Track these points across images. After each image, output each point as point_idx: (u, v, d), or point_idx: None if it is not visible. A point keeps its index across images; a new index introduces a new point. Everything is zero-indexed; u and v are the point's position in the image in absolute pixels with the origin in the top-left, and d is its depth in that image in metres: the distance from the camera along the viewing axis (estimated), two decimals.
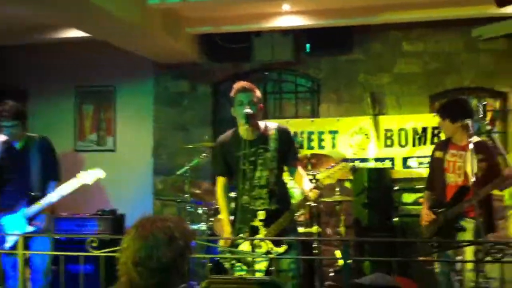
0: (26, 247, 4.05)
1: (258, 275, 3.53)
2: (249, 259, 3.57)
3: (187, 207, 5.52)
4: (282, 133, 3.81)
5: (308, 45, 6.47)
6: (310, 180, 4.21)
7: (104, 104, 7.16)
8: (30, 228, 4.35)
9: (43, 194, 4.41)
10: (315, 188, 3.62)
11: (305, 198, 3.70)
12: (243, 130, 3.69)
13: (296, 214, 4.22)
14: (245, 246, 3.67)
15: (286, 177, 3.96)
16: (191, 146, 5.95)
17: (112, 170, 6.64)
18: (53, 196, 4.37)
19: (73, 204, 5.20)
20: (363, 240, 5.82)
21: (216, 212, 5.32)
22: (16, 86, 7.21)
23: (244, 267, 3.64)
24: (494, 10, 5.32)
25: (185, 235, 2.21)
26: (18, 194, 4.44)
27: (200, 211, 5.47)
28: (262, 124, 3.81)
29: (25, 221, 4.36)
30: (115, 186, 6.62)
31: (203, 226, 5.33)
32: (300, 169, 3.88)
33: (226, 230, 3.80)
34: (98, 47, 6.46)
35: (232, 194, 4.04)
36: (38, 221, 4.41)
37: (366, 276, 2.17)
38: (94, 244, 3.41)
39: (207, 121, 6.92)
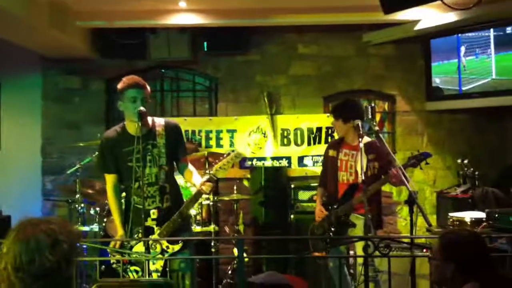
0: None
1: (154, 275, 3.45)
2: (143, 260, 3.47)
3: (79, 208, 5.28)
4: (171, 128, 3.73)
5: (205, 44, 6.43)
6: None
7: None
8: None
9: None
10: (208, 180, 3.56)
11: (199, 192, 3.61)
12: (131, 126, 3.58)
13: (190, 212, 4.17)
14: (139, 247, 3.56)
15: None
16: (82, 144, 5.69)
17: None
18: None
19: None
20: (257, 238, 5.89)
21: (109, 212, 5.15)
22: None
23: (138, 269, 3.54)
24: (382, 17, 5.59)
25: (70, 238, 2.11)
26: None
27: (92, 212, 5.27)
28: (149, 119, 3.71)
29: None
30: (1, 186, 6.21)
31: (95, 227, 5.14)
32: (189, 166, 3.81)
33: (118, 232, 3.66)
34: None
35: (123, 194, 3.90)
36: None
37: (259, 274, 2.17)
38: None
39: (99, 119, 6.65)
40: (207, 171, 3.65)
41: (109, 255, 3.65)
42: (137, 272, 3.61)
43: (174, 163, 3.77)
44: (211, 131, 6.53)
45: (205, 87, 6.94)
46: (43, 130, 6.63)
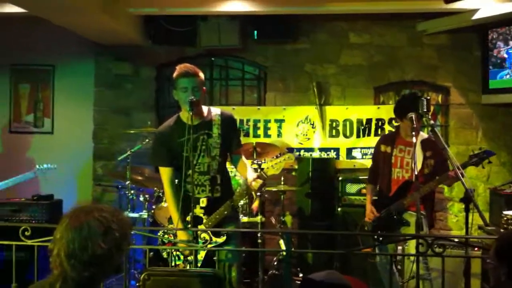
0: None
1: (182, 265, 3.45)
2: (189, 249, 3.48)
3: (128, 194, 5.35)
4: (226, 119, 3.72)
5: (255, 32, 6.38)
6: (255, 169, 4.14)
7: (41, 84, 6.80)
8: None
9: None
10: (258, 177, 3.55)
11: (248, 187, 3.62)
12: (186, 115, 3.57)
13: (239, 203, 4.15)
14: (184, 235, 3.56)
15: (228, 165, 3.88)
16: (133, 131, 5.76)
17: (49, 153, 6.43)
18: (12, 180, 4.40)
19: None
20: (304, 232, 5.84)
21: (158, 199, 5.21)
22: None
23: (181, 257, 3.55)
24: (440, 6, 5.42)
25: (122, 226, 2.12)
26: None
27: (141, 199, 5.33)
28: (205, 109, 3.70)
29: None
30: (54, 170, 6.36)
31: (144, 214, 5.20)
32: (243, 158, 3.81)
33: (174, 219, 3.63)
34: (36, 24, 6.14)
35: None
36: None
37: (319, 272, 2.12)
38: (27, 233, 3.23)
39: (149, 106, 6.71)
40: (258, 170, 3.64)
41: (157, 243, 3.67)
42: (180, 260, 3.62)
43: (228, 154, 3.76)
44: (259, 121, 6.50)
45: (254, 76, 6.90)
46: (95, 115, 6.75)
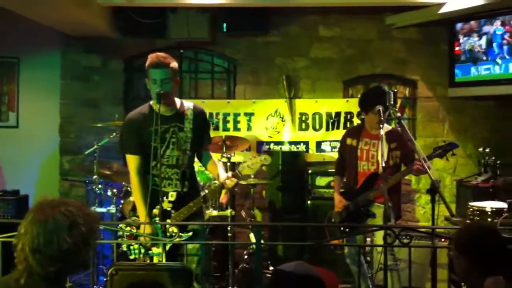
0: None
1: (155, 259, 3.41)
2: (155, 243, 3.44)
3: (96, 189, 5.27)
4: (198, 114, 3.68)
5: (225, 25, 6.35)
6: (226, 164, 4.13)
7: (6, 76, 6.63)
8: None
9: None
10: (233, 176, 3.55)
11: (221, 186, 3.61)
12: (157, 105, 3.52)
13: (209, 200, 4.13)
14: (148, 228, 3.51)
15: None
16: (100, 125, 5.67)
17: (14, 148, 6.29)
18: None
19: None
20: (275, 225, 5.86)
21: (126, 194, 5.15)
22: None
23: (142, 250, 3.50)
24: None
25: (89, 221, 2.10)
26: None
27: (109, 193, 5.26)
28: (178, 101, 3.66)
29: None
30: (18, 165, 6.23)
31: (112, 209, 5.13)
32: (212, 155, 3.78)
33: (141, 214, 3.56)
34: (1, 16, 5.97)
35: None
36: None
37: (289, 263, 2.13)
38: None
39: (118, 99, 6.62)
40: (234, 169, 3.62)
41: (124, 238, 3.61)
42: (140, 254, 3.56)
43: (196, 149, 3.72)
44: (228, 114, 6.48)
45: (223, 69, 6.86)
46: (61, 108, 6.61)
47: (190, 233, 3.47)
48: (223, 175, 3.61)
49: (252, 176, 5.47)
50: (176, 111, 3.61)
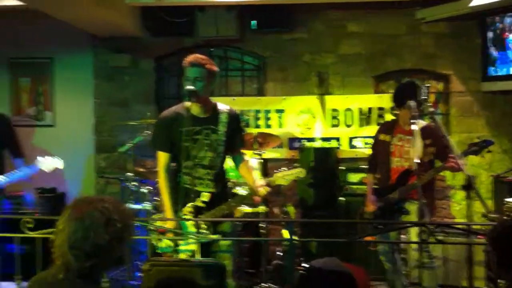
0: None
1: (183, 255, 3.44)
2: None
3: (131, 186, 5.34)
4: (233, 117, 3.70)
5: (253, 22, 6.36)
6: (258, 157, 4.11)
7: (41, 77, 6.79)
8: None
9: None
10: (266, 185, 3.56)
11: (254, 193, 3.63)
12: (192, 105, 3.55)
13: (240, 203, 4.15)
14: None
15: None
16: (132, 123, 5.75)
17: (51, 146, 6.43)
18: (12, 177, 4.38)
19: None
20: (307, 221, 5.84)
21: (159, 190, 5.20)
22: None
23: (171, 246, 3.53)
24: None
25: (123, 217, 2.13)
26: None
27: (144, 190, 5.32)
28: (213, 103, 3.67)
29: None
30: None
31: (147, 205, 5.19)
32: (246, 159, 3.81)
33: (167, 211, 3.62)
34: (35, 17, 6.10)
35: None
36: None
37: (319, 259, 2.13)
38: (29, 226, 3.23)
39: (149, 98, 6.71)
40: (268, 177, 3.63)
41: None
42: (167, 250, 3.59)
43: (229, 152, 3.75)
44: (259, 111, 6.49)
45: (253, 66, 6.88)
46: (95, 108, 6.74)
47: (219, 236, 3.48)
48: (255, 181, 3.63)
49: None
50: (210, 114, 3.63)
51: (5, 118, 4.71)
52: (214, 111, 3.65)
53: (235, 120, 3.72)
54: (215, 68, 3.62)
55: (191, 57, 3.57)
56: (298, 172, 3.67)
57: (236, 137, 3.72)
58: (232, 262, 3.66)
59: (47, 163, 4.46)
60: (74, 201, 2.14)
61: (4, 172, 4.46)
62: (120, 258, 2.17)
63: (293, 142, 6.43)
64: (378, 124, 6.13)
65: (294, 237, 3.40)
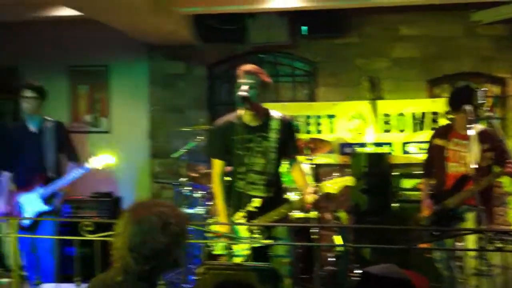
0: (36, 225, 4.45)
1: (238, 259, 3.46)
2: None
3: (184, 191, 5.44)
4: (286, 124, 3.71)
5: (304, 28, 6.36)
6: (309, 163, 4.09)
7: (98, 84, 7.01)
8: (45, 207, 4.57)
9: (57, 176, 4.63)
10: (314, 192, 3.56)
11: (302, 200, 3.64)
12: (245, 114, 3.60)
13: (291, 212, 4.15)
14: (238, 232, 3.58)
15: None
16: (187, 129, 5.85)
17: (107, 152, 6.59)
18: (68, 178, 4.57)
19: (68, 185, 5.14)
20: (361, 227, 5.78)
21: (213, 195, 5.26)
22: (7, 63, 7.00)
23: (225, 250, 3.56)
24: None
25: (180, 221, 2.17)
26: (33, 174, 4.61)
27: (197, 195, 5.40)
28: (266, 111, 3.70)
29: (41, 200, 4.56)
30: (112, 168, 6.52)
31: (200, 210, 5.26)
32: (299, 164, 3.81)
33: (222, 214, 3.70)
34: (92, 26, 6.29)
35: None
36: (53, 201, 4.63)
37: (376, 265, 2.10)
38: (89, 229, 3.33)
39: (202, 104, 6.82)
40: (317, 184, 3.62)
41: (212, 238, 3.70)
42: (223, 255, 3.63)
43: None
44: (310, 116, 6.47)
45: (304, 72, 6.88)
46: (150, 114, 6.90)
47: (272, 241, 3.49)
48: (305, 190, 3.63)
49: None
50: (262, 121, 3.66)
51: (61, 124, 4.89)
52: (266, 118, 3.68)
53: (288, 127, 3.73)
54: (268, 79, 3.67)
55: (245, 66, 3.64)
56: (347, 180, 3.65)
57: (288, 144, 3.73)
58: (288, 268, 3.65)
59: (98, 161, 4.59)
60: (133, 205, 2.20)
61: (61, 175, 4.65)
62: (176, 261, 2.21)
63: (344, 147, 6.39)
64: (433, 129, 6.01)
65: (348, 244, 3.37)
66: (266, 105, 3.80)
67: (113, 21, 5.72)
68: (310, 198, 3.56)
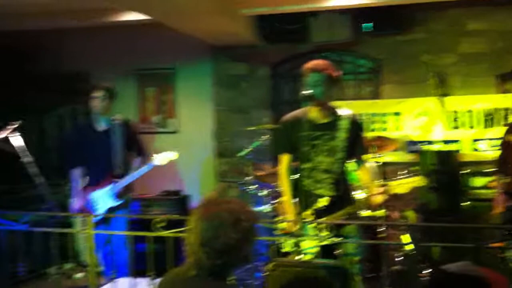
0: (109, 221, 4.70)
1: (306, 257, 3.46)
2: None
3: (249, 189, 5.49)
4: (354, 124, 3.67)
5: (367, 25, 6.28)
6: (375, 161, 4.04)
7: (165, 86, 7.20)
8: (115, 203, 4.80)
9: (126, 172, 4.85)
10: (383, 192, 3.52)
11: (370, 200, 3.59)
12: (312, 111, 3.59)
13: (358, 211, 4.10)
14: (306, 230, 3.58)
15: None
16: (251, 129, 5.91)
17: (170, 151, 6.78)
18: (135, 174, 4.80)
19: (137, 184, 5.31)
20: (429, 225, 5.64)
21: (279, 194, 5.29)
22: (77, 68, 7.30)
23: (294, 248, 3.56)
24: None
25: (250, 218, 2.20)
26: (103, 172, 4.84)
27: (262, 194, 5.44)
28: (335, 109, 3.68)
29: (112, 196, 4.80)
30: (179, 168, 6.69)
31: (266, 208, 5.30)
32: (366, 164, 3.76)
33: (289, 211, 3.70)
34: (158, 30, 6.46)
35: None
36: (124, 197, 4.86)
37: (452, 264, 2.05)
38: (162, 225, 3.44)
39: (265, 104, 6.87)
40: (385, 184, 3.57)
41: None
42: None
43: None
44: (375, 114, 6.39)
45: (368, 69, 6.80)
46: (215, 114, 7.02)
47: (341, 239, 3.47)
48: (373, 187, 3.59)
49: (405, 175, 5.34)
50: (330, 119, 3.63)
51: (128, 123, 5.10)
52: (334, 117, 3.64)
53: (356, 126, 3.68)
54: (336, 73, 3.61)
55: (310, 63, 3.60)
56: (417, 180, 3.58)
57: (356, 143, 3.68)
58: (357, 266, 3.62)
59: (161, 157, 4.77)
60: (204, 202, 2.26)
61: (129, 172, 4.87)
62: (246, 257, 2.25)
63: (410, 145, 6.26)
64: (505, 125, 5.80)
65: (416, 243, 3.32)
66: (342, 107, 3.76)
67: (179, 24, 5.84)
68: (378, 198, 3.51)
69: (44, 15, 6.26)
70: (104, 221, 4.73)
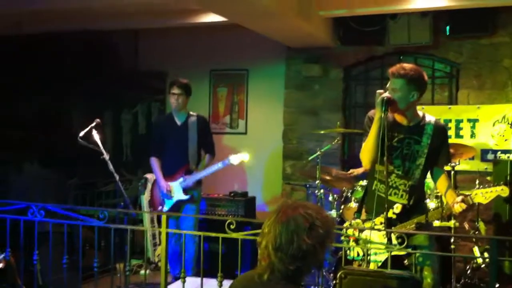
0: (179, 216, 4.95)
1: (372, 265, 3.39)
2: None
3: (317, 193, 5.47)
4: (439, 130, 3.54)
5: (448, 27, 6.10)
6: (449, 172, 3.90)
7: (237, 87, 7.30)
8: (184, 197, 5.02)
9: (197, 167, 5.11)
10: (462, 201, 3.37)
11: (448, 209, 3.46)
12: (396, 114, 3.50)
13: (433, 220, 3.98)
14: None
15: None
16: (322, 132, 5.87)
17: (243, 153, 6.87)
18: (207, 170, 5.03)
19: (205, 183, 5.42)
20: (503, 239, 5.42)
21: (346, 199, 5.25)
22: (157, 68, 7.54)
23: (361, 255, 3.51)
24: None
25: (326, 224, 2.18)
26: (176, 165, 5.08)
27: (330, 198, 5.41)
28: (420, 113, 3.57)
29: (182, 190, 5.01)
30: (247, 169, 6.76)
31: (333, 213, 5.27)
32: (445, 174, 3.62)
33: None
34: (233, 31, 6.54)
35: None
36: (193, 191, 5.07)
37: None
38: (232, 227, 3.48)
39: (337, 107, 6.80)
40: (466, 195, 3.44)
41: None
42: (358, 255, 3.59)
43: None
44: (450, 120, 6.20)
45: (445, 73, 6.60)
46: (285, 116, 7.02)
47: (409, 249, 3.39)
48: (452, 198, 3.45)
49: (477, 187, 5.15)
50: (415, 123, 3.54)
51: (203, 119, 5.32)
52: (419, 121, 3.54)
53: (441, 133, 3.56)
54: (420, 77, 3.47)
55: (394, 67, 3.49)
56: (500, 190, 3.42)
57: (440, 151, 3.55)
58: (433, 277, 3.52)
59: (236, 158, 4.97)
60: (280, 205, 2.26)
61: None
62: (320, 262, 2.24)
63: (486, 153, 6.04)
64: None
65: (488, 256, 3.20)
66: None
67: (258, 26, 5.87)
68: (457, 207, 3.38)
69: (123, 16, 6.51)
70: (174, 215, 4.89)
